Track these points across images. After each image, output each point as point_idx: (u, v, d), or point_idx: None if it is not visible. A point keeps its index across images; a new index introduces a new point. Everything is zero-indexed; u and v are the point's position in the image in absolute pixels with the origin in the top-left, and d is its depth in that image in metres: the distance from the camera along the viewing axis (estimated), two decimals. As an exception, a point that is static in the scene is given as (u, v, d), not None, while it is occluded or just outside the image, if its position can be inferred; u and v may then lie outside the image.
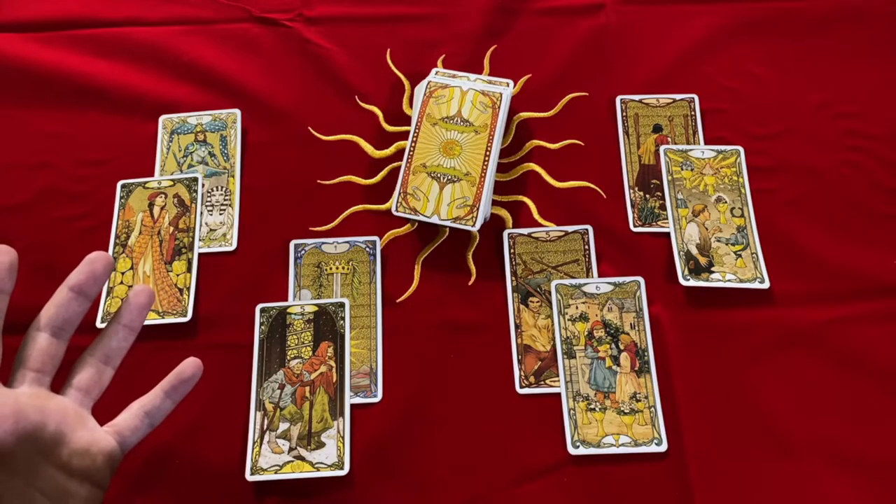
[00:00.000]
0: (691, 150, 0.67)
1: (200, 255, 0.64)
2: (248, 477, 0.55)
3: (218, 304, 0.62)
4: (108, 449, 0.43)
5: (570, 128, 0.69)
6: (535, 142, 0.68)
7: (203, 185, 0.67)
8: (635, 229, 0.64)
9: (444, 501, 0.55)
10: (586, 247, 0.63)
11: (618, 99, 0.70)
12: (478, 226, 0.61)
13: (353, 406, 0.58)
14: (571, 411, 0.57)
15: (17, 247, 0.65)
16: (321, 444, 0.56)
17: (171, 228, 0.65)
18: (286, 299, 0.62)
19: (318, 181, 0.67)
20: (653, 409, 0.57)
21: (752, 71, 0.71)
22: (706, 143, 0.68)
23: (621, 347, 0.59)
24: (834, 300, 0.61)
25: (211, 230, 0.65)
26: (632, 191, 0.66)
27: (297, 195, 0.66)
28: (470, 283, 0.62)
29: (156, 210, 0.65)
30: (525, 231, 0.64)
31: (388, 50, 0.72)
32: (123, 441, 0.44)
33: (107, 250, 0.64)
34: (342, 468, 0.55)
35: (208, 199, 0.66)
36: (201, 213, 0.65)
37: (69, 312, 0.42)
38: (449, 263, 0.63)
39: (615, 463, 0.56)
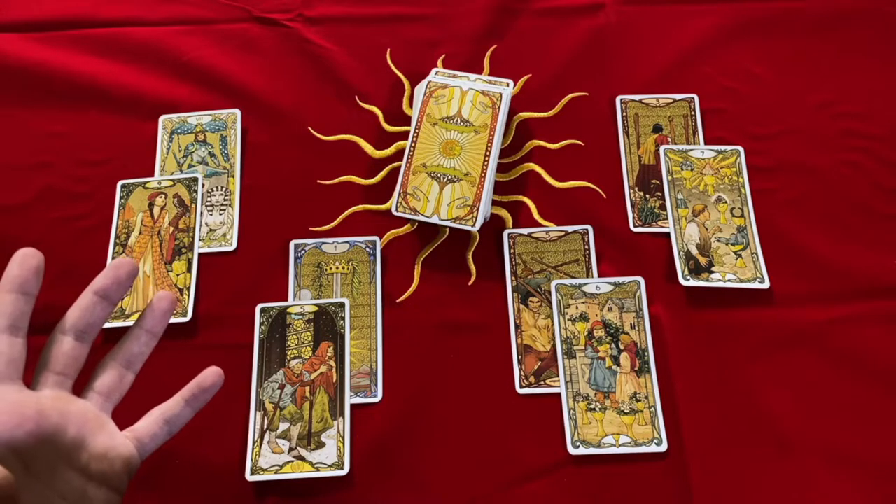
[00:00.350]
0: (691, 150, 0.67)
1: (200, 255, 0.64)
2: (248, 477, 0.55)
3: (218, 304, 0.62)
4: (127, 454, 0.43)
5: (570, 128, 0.69)
6: (535, 142, 0.68)
7: (203, 185, 0.67)
8: (635, 229, 0.64)
9: (444, 501, 0.55)
10: (586, 247, 0.63)
11: (618, 99, 0.70)
12: (478, 226, 0.61)
13: (353, 406, 0.58)
14: (571, 411, 0.57)
15: (16, 247, 0.65)
16: (321, 444, 0.56)
17: (171, 228, 0.65)
18: (286, 299, 0.62)
19: (318, 181, 0.67)
20: (653, 409, 0.57)
21: (752, 71, 0.71)
22: (706, 143, 0.68)
23: (621, 347, 0.59)
24: (834, 300, 0.61)
25: (211, 230, 0.65)
26: (632, 191, 0.66)
27: (297, 195, 0.66)
28: (470, 283, 0.62)
29: (156, 210, 0.65)
30: (525, 231, 0.64)
31: (388, 50, 0.72)
32: (142, 447, 0.44)
33: (107, 250, 0.64)
34: (342, 468, 0.55)
35: (208, 199, 0.66)
36: (201, 213, 0.65)
37: (93, 316, 0.42)
38: (449, 263, 0.63)
39: (615, 463, 0.56)
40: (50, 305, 0.62)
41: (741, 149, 0.67)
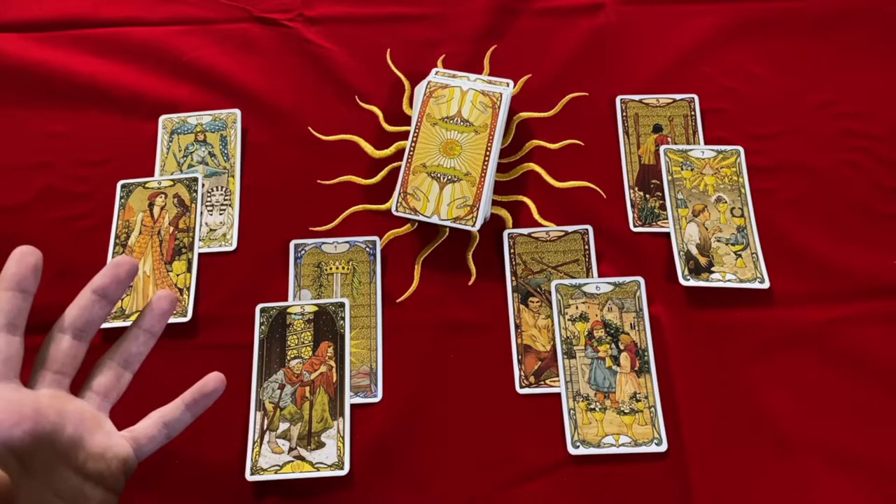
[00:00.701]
0: (691, 150, 0.67)
1: (200, 255, 0.64)
2: (248, 477, 0.55)
3: (218, 304, 0.62)
4: (124, 454, 0.43)
5: (570, 128, 0.69)
6: (535, 142, 0.68)
7: (203, 185, 0.67)
8: (635, 229, 0.64)
9: (444, 501, 0.55)
10: (586, 247, 0.63)
11: (618, 99, 0.70)
12: (478, 226, 0.61)
13: (353, 406, 0.58)
14: (571, 411, 0.57)
15: (16, 247, 0.65)
16: (321, 444, 0.56)
17: (171, 228, 0.65)
18: (286, 299, 0.62)
19: (318, 181, 0.67)
20: (653, 409, 0.57)
21: (752, 71, 0.71)
22: (706, 143, 0.68)
23: (621, 347, 0.59)
24: (834, 300, 0.61)
25: (211, 230, 0.65)
26: (632, 191, 0.66)
27: (297, 195, 0.66)
28: (470, 283, 0.62)
29: (156, 210, 0.65)
30: (525, 231, 0.64)
31: (388, 50, 0.72)
32: (139, 448, 0.44)
33: (107, 250, 0.64)
34: (342, 468, 0.55)
35: (208, 199, 0.66)
36: (201, 213, 0.65)
37: (92, 315, 0.42)
38: (449, 263, 0.63)
39: (615, 463, 0.56)
40: (48, 305, 0.62)
41: (741, 149, 0.67)
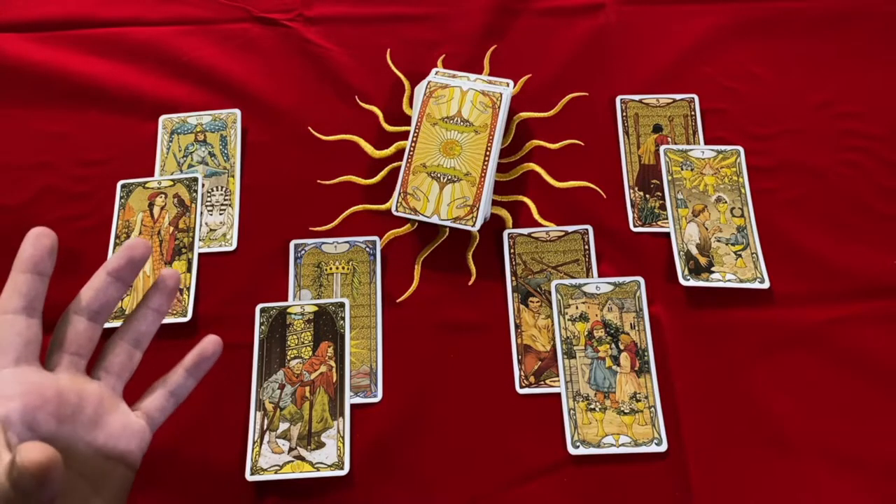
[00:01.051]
0: (691, 150, 0.67)
1: (200, 255, 0.64)
2: (248, 477, 0.55)
3: (218, 304, 0.62)
4: (140, 431, 0.44)
5: (570, 128, 0.69)
6: (535, 142, 0.68)
7: (203, 185, 0.67)
8: (635, 229, 0.64)
9: (444, 501, 0.55)
10: (586, 247, 0.63)
11: (618, 99, 0.70)
12: (478, 226, 0.61)
13: (353, 406, 0.58)
14: (571, 411, 0.57)
15: (16, 247, 0.65)
16: (321, 444, 0.56)
17: (171, 228, 0.65)
18: (286, 299, 0.62)
19: (318, 181, 0.67)
20: (653, 409, 0.57)
21: (752, 71, 0.71)
22: (706, 143, 0.68)
23: (621, 347, 0.59)
24: (834, 300, 0.61)
25: (211, 230, 0.65)
26: (632, 191, 0.66)
27: (297, 195, 0.66)
28: (470, 283, 0.62)
29: (156, 210, 0.65)
30: (525, 231, 0.64)
31: (388, 50, 0.72)
32: (152, 421, 0.45)
33: (107, 250, 0.64)
34: (342, 468, 0.55)
35: (208, 199, 0.66)
36: (201, 213, 0.65)
37: (107, 296, 0.43)
38: (449, 263, 0.63)
39: (615, 463, 0.56)
40: (51, 305, 0.62)
41: (741, 149, 0.67)
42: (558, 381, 0.58)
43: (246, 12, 0.75)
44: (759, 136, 0.68)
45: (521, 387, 0.58)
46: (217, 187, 0.67)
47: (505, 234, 0.64)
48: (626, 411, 0.57)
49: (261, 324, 0.60)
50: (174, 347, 0.60)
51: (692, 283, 0.61)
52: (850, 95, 0.69)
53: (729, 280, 0.61)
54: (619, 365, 0.59)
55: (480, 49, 0.73)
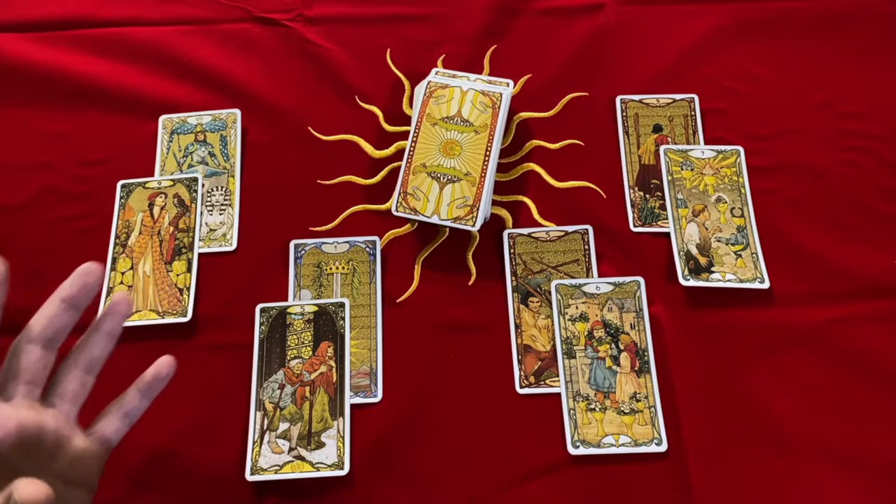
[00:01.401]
0: (691, 150, 0.67)
1: (200, 255, 0.64)
2: (248, 477, 0.55)
3: (218, 304, 0.62)
4: (97, 455, 0.44)
5: (570, 128, 0.69)
6: (535, 142, 0.68)
7: (203, 185, 0.67)
8: (635, 229, 0.64)
9: (444, 501, 0.55)
10: (586, 247, 0.63)
11: (618, 99, 0.70)
12: (478, 226, 0.61)
13: (353, 406, 0.58)
14: (571, 411, 0.57)
15: (16, 247, 0.65)
16: (321, 444, 0.56)
17: (171, 228, 0.65)
18: (286, 299, 0.62)
19: (318, 181, 0.67)
20: (653, 409, 0.57)
21: (752, 71, 0.71)
22: (706, 143, 0.68)
23: (621, 347, 0.59)
24: (834, 300, 0.61)
25: (211, 230, 0.65)
26: (632, 191, 0.66)
27: (297, 195, 0.66)
28: (470, 283, 0.62)
29: (156, 210, 0.65)
30: (525, 231, 0.64)
31: (388, 50, 0.72)
32: (108, 443, 0.45)
33: (107, 250, 0.64)
34: (342, 468, 0.55)
35: (208, 199, 0.66)
36: (201, 213, 0.65)
37: (61, 323, 0.42)
38: (449, 263, 0.63)
39: (615, 463, 0.56)
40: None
41: (741, 149, 0.67)
42: (558, 381, 0.58)
43: (246, 12, 0.75)
44: (759, 136, 0.68)
45: (521, 387, 0.58)
46: (217, 187, 0.67)
47: (505, 234, 0.64)
48: (626, 411, 0.57)
49: (261, 324, 0.60)
50: (174, 347, 0.60)
51: (692, 283, 0.61)
52: (850, 95, 0.69)
53: (729, 280, 0.61)
54: (619, 365, 0.59)
55: (480, 49, 0.73)
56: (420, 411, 0.58)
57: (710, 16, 0.74)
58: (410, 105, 0.70)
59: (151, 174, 0.68)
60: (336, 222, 0.65)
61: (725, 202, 0.65)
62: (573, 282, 0.61)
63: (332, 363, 0.59)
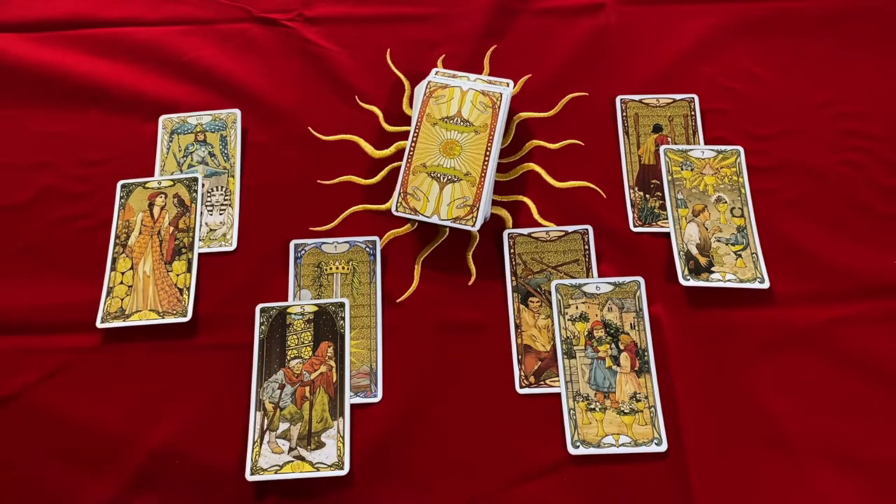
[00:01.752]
0: (691, 150, 0.67)
1: (200, 255, 0.64)
2: (248, 477, 0.55)
3: (218, 304, 0.62)
4: None
5: (570, 128, 0.69)
6: (535, 142, 0.68)
7: (203, 185, 0.67)
8: (635, 229, 0.64)
9: (444, 501, 0.55)
10: (586, 247, 0.63)
11: (618, 99, 0.70)
12: (478, 226, 0.61)
13: (353, 406, 0.58)
14: (571, 411, 0.57)
15: (16, 247, 0.65)
16: (321, 444, 0.56)
17: (171, 228, 0.65)
18: (286, 299, 0.62)
19: (318, 181, 0.67)
20: (653, 409, 0.57)
21: (752, 71, 0.71)
22: (706, 143, 0.68)
23: (621, 347, 0.59)
24: (834, 300, 0.61)
25: (211, 230, 0.65)
26: (632, 191, 0.66)
27: (297, 195, 0.66)
28: (470, 283, 0.62)
29: (156, 210, 0.65)
30: (525, 231, 0.64)
31: (388, 50, 0.72)
32: None
33: (107, 250, 0.64)
34: (342, 468, 0.55)
35: (208, 199, 0.66)
36: (201, 213, 0.65)
37: None
38: (449, 263, 0.63)
39: (615, 463, 0.56)
40: (49, 305, 0.62)
41: (741, 149, 0.67)
42: (558, 381, 0.58)
43: (246, 12, 0.75)
44: (759, 136, 0.68)
45: (521, 387, 0.58)
46: (217, 187, 0.67)
47: (505, 234, 0.64)
48: (626, 411, 0.57)
49: (261, 324, 0.60)
50: (174, 348, 0.60)
51: (692, 283, 0.60)
52: (850, 95, 0.69)
53: (729, 280, 0.61)
54: (619, 365, 0.59)
55: (480, 49, 0.73)
56: (420, 411, 0.58)
57: (710, 16, 0.74)
58: (410, 105, 0.70)
59: (151, 174, 0.68)
60: (336, 222, 0.65)
61: (725, 202, 0.65)
62: (573, 282, 0.61)
63: (332, 363, 0.59)
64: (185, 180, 0.67)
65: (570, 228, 0.64)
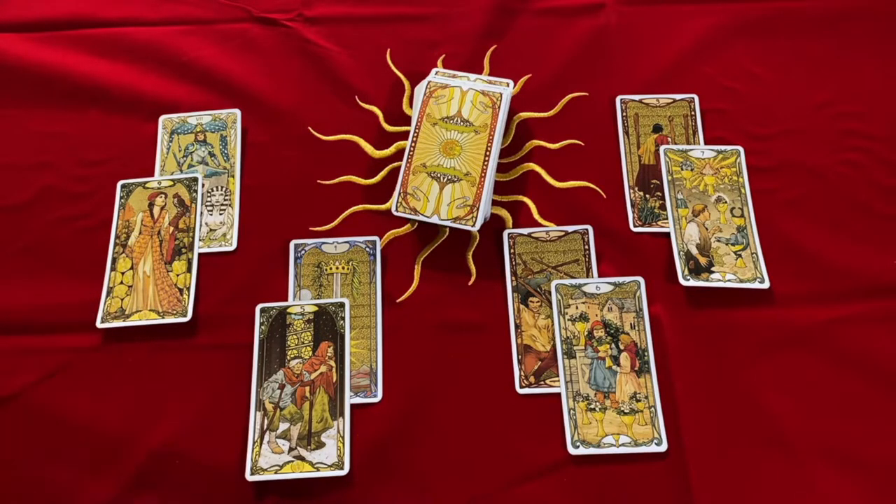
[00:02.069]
0: (691, 150, 0.67)
1: (200, 255, 0.64)
2: (248, 477, 0.55)
3: (218, 304, 0.62)
4: None
5: (570, 128, 0.69)
6: (535, 142, 0.68)
7: (203, 185, 0.67)
8: (635, 229, 0.64)
9: (444, 501, 0.55)
10: (586, 247, 0.63)
11: (618, 99, 0.70)
12: (478, 226, 0.61)
13: (353, 406, 0.58)
14: (571, 411, 0.57)
15: (16, 247, 0.65)
16: (321, 444, 0.56)
17: (171, 228, 0.65)
18: (286, 299, 0.62)
19: (318, 181, 0.67)
20: (653, 409, 0.57)
21: (752, 71, 0.71)
22: (706, 143, 0.68)
23: (621, 347, 0.59)
24: (834, 300, 0.61)
25: (211, 230, 0.65)
26: (632, 191, 0.66)
27: (297, 195, 0.66)
28: (470, 283, 0.62)
29: (156, 210, 0.65)
30: (525, 231, 0.64)
31: (388, 50, 0.72)
32: None
33: (107, 250, 0.64)
34: (342, 468, 0.55)
35: (208, 199, 0.66)
36: (201, 213, 0.65)
37: None
38: (449, 263, 0.63)
39: (615, 463, 0.56)
40: (49, 305, 0.62)
41: (741, 149, 0.67)
42: (558, 381, 0.58)
43: (246, 12, 0.75)
44: (759, 136, 0.68)
45: (521, 387, 0.58)
46: (217, 187, 0.67)
47: (505, 234, 0.64)
48: (626, 411, 0.57)
49: (261, 324, 0.60)
50: (174, 348, 0.60)
51: (692, 283, 0.60)
52: (850, 95, 0.69)
53: (729, 280, 0.61)
54: (619, 365, 0.59)
55: (480, 49, 0.73)
56: (420, 411, 0.58)
57: (710, 16, 0.74)
58: (410, 105, 0.70)
59: (151, 174, 0.68)
60: (336, 222, 0.65)
61: (725, 202, 0.65)
62: (573, 282, 0.61)
63: (332, 363, 0.59)
64: (185, 180, 0.67)
65: (570, 228, 0.64)
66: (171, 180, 0.67)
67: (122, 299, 0.61)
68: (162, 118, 0.70)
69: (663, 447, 0.56)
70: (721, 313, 0.60)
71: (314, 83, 0.72)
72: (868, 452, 0.55)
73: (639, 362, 0.59)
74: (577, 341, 0.59)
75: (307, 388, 0.58)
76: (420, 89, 0.67)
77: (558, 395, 0.58)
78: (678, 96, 0.70)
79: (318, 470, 0.55)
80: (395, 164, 0.67)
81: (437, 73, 0.67)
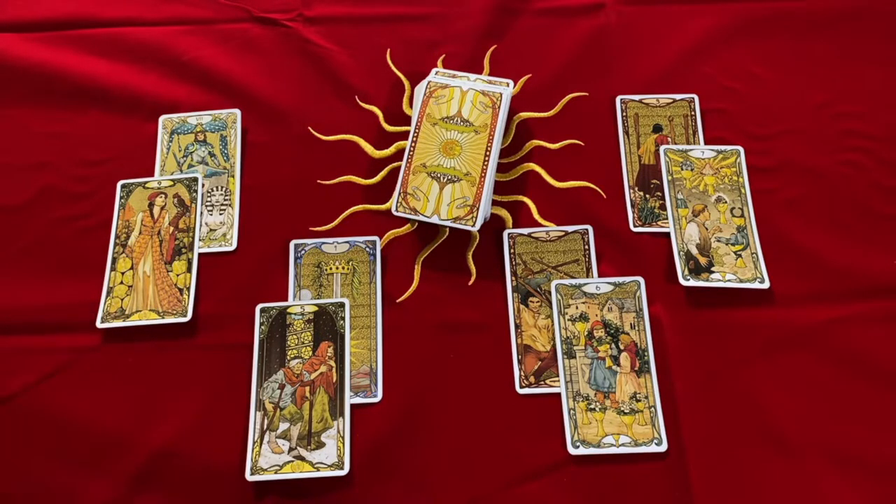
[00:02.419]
0: (691, 150, 0.67)
1: (200, 255, 0.64)
2: (248, 477, 0.55)
3: (218, 304, 0.62)
4: None
5: (570, 128, 0.69)
6: (535, 142, 0.68)
7: (203, 185, 0.67)
8: (635, 229, 0.64)
9: (444, 501, 0.55)
10: (586, 247, 0.63)
11: (618, 99, 0.70)
12: (478, 226, 0.61)
13: (353, 406, 0.58)
14: (571, 411, 0.57)
15: (17, 247, 0.65)
16: (321, 444, 0.56)
17: (171, 228, 0.65)
18: (286, 299, 0.62)
19: (318, 181, 0.67)
20: (653, 409, 0.57)
21: (752, 71, 0.71)
22: (706, 143, 0.68)
23: (621, 347, 0.59)
24: (834, 300, 0.61)
25: (211, 230, 0.65)
26: (632, 191, 0.66)
27: (297, 195, 0.66)
28: (470, 283, 0.62)
29: (156, 210, 0.65)
30: (525, 231, 0.64)
31: (388, 50, 0.72)
32: None
33: (107, 250, 0.64)
34: (342, 468, 0.55)
35: (208, 199, 0.66)
36: (201, 213, 0.65)
37: None
38: (449, 263, 0.63)
39: (615, 463, 0.56)
40: (49, 305, 0.62)
41: (741, 149, 0.67)
42: (558, 381, 0.58)
43: (246, 12, 0.75)
44: (759, 136, 0.68)
45: (521, 387, 0.58)
46: (217, 187, 0.67)
47: (505, 234, 0.64)
48: (626, 411, 0.57)
49: (261, 324, 0.60)
50: (174, 348, 0.60)
51: (692, 283, 0.60)
52: (850, 95, 0.69)
53: (729, 280, 0.61)
54: (619, 365, 0.59)
55: (480, 49, 0.73)
56: (420, 411, 0.58)
57: (710, 16, 0.74)
58: (410, 105, 0.70)
59: (151, 174, 0.68)
60: (336, 222, 0.65)
61: (725, 202, 0.65)
62: (573, 282, 0.61)
63: (332, 363, 0.59)
64: (185, 180, 0.67)
65: (570, 228, 0.64)
66: (171, 180, 0.67)
67: (122, 299, 0.61)
68: (162, 118, 0.70)
69: (663, 447, 0.56)
70: (721, 313, 0.60)
71: (314, 83, 0.72)
72: (868, 452, 0.55)
73: (639, 362, 0.59)
74: (577, 341, 0.59)
75: (307, 388, 0.58)
76: (420, 89, 0.67)
77: (558, 395, 0.58)
78: (678, 96, 0.70)
79: (318, 470, 0.55)
80: (395, 164, 0.67)
81: (437, 73, 0.67)
